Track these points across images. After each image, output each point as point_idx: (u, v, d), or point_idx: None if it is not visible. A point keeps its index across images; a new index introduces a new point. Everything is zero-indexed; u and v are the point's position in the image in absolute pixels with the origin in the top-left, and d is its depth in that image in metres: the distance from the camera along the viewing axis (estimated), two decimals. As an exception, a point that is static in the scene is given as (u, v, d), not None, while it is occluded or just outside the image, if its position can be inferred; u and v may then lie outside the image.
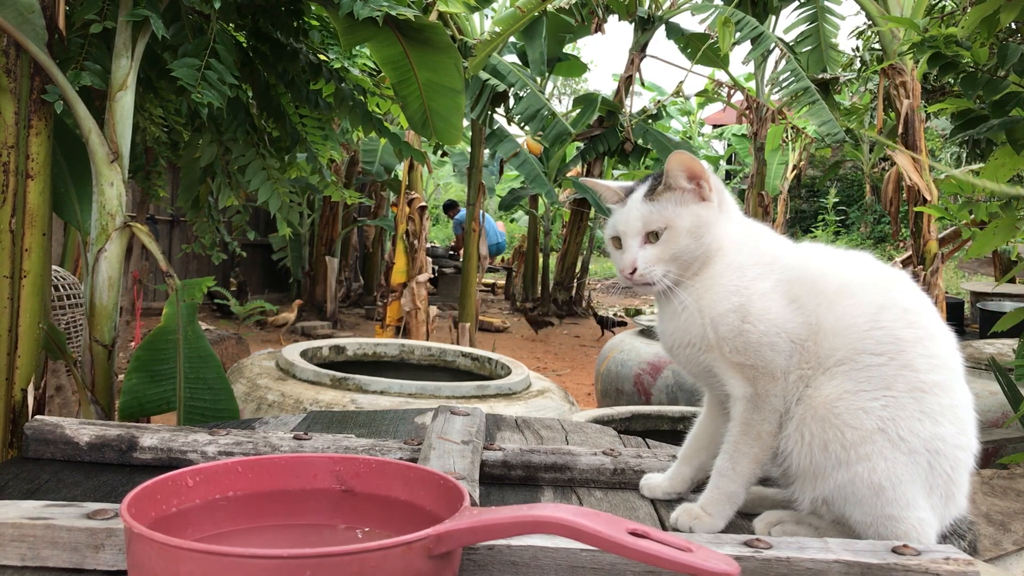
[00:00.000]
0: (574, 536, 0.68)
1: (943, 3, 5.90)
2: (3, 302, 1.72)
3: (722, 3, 6.95)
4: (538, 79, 8.39)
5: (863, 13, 5.64)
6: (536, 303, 10.28)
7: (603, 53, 40.46)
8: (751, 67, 8.38)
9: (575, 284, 10.47)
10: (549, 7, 6.42)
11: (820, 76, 6.78)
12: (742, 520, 1.03)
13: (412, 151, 2.92)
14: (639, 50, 8.84)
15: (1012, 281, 8.17)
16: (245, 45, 2.44)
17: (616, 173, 10.10)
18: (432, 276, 6.40)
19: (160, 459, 1.14)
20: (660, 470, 1.15)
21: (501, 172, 10.24)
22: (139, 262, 5.03)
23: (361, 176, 8.80)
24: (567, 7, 7.02)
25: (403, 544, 0.66)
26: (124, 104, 1.89)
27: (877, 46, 6.37)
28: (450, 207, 11.69)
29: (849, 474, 0.92)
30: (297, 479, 0.87)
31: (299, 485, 0.86)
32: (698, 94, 9.16)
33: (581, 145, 9.10)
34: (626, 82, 8.90)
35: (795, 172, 10.78)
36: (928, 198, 5.08)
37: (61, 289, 3.06)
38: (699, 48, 7.60)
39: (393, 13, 2.00)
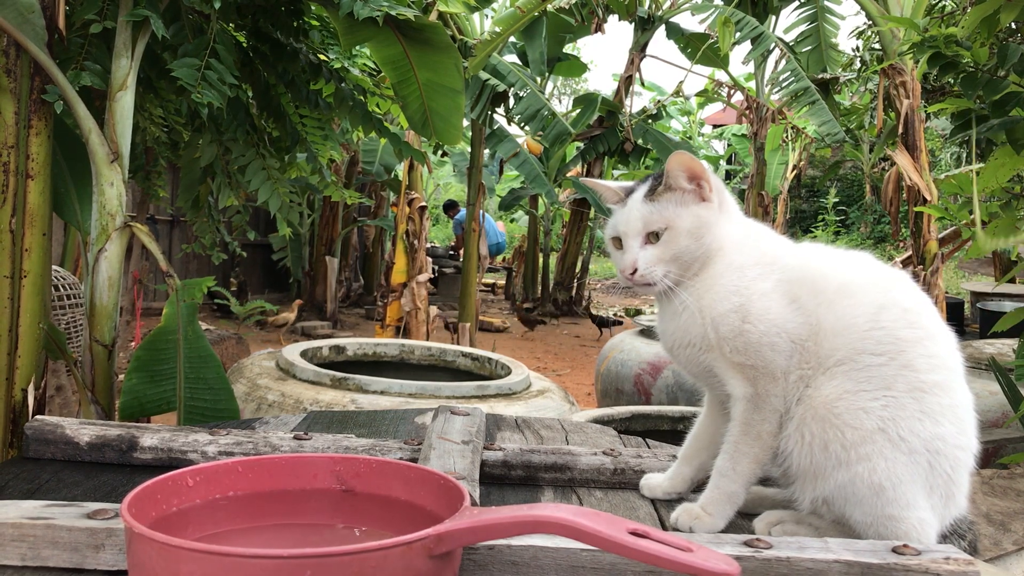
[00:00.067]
0: (574, 536, 0.68)
1: (943, 3, 5.90)
2: (3, 302, 1.72)
3: (722, 3, 6.95)
4: (538, 79, 8.39)
5: (863, 13, 5.64)
6: (536, 303, 10.29)
7: (603, 53, 40.50)
8: (751, 67, 8.38)
9: (575, 284, 10.47)
10: (549, 7, 6.42)
11: (820, 76, 6.79)
12: (742, 520, 1.03)
13: (412, 151, 2.92)
14: (639, 50, 8.84)
15: (1012, 281, 8.17)
16: (245, 45, 2.44)
17: (616, 173, 10.10)
18: (432, 276, 6.40)
19: (160, 459, 1.14)
20: (660, 470, 1.15)
21: (501, 172, 10.25)
22: (139, 262, 5.03)
23: (361, 176, 8.80)
24: (567, 7, 7.02)
25: (403, 544, 0.66)
26: (124, 104, 1.89)
27: (877, 46, 6.37)
28: (450, 207, 11.69)
29: (849, 474, 0.92)
30: (297, 479, 0.87)
31: (299, 485, 0.86)
32: (698, 94, 9.17)
33: (581, 145, 9.11)
34: (626, 82, 8.90)
35: (795, 172, 10.78)
36: (928, 198, 5.08)
37: (61, 289, 3.06)
38: (699, 48, 7.60)
39: (393, 13, 2.00)
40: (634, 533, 0.67)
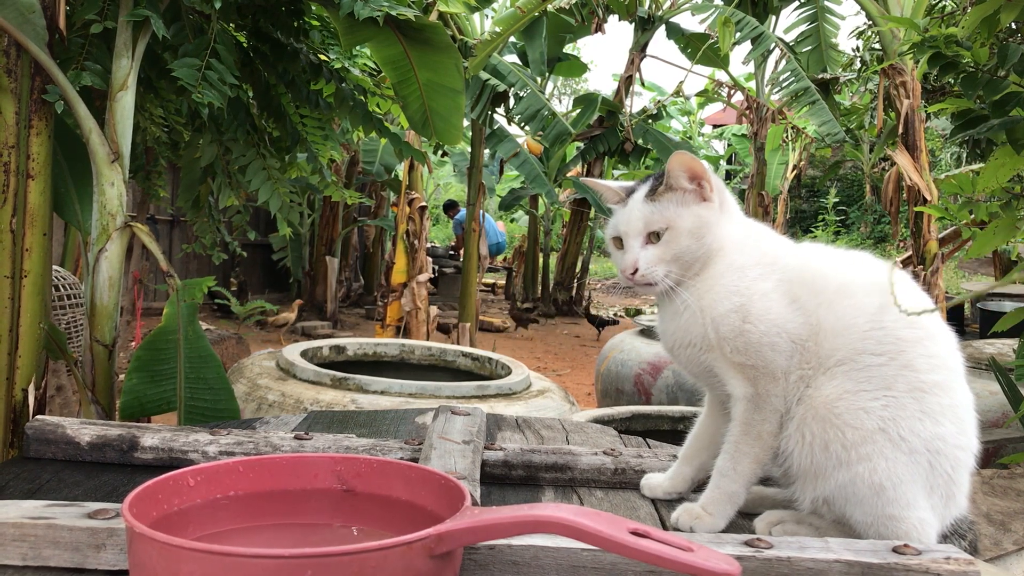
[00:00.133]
0: (575, 536, 0.68)
1: (943, 3, 5.90)
2: (4, 302, 1.72)
3: (722, 3, 6.95)
4: (538, 79, 8.39)
5: (863, 13, 5.63)
6: (536, 303, 10.29)
7: (603, 53, 40.49)
8: (751, 67, 8.38)
9: (575, 284, 10.47)
10: (549, 7, 6.42)
11: (820, 76, 6.78)
12: (743, 520, 1.03)
13: (412, 151, 2.92)
14: (639, 50, 8.84)
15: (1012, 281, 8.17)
16: (245, 45, 2.44)
17: (616, 173, 10.10)
18: (432, 276, 6.41)
19: (161, 459, 1.14)
20: (661, 470, 1.15)
21: (501, 172, 10.25)
22: (139, 262, 5.03)
23: (361, 176, 8.80)
24: (567, 7, 7.02)
25: (404, 544, 0.66)
26: (124, 104, 1.89)
27: (877, 46, 6.36)
28: (450, 207, 11.69)
29: (850, 474, 0.92)
30: (298, 479, 0.87)
31: (300, 485, 0.87)
32: (698, 94, 9.16)
33: (581, 145, 9.11)
34: (626, 82, 8.90)
35: (795, 172, 10.78)
36: (928, 198, 5.08)
37: (62, 289, 3.06)
38: (699, 48, 7.60)
39: (393, 13, 2.00)
40: (635, 533, 0.67)
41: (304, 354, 2.80)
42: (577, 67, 10.04)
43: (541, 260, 10.95)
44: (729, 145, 15.40)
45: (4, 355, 1.73)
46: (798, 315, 0.97)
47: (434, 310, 5.68)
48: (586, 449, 1.19)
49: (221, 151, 2.46)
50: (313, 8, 2.58)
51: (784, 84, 6.38)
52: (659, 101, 9.26)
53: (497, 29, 5.50)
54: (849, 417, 0.93)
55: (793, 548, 0.83)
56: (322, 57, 2.62)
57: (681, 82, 8.07)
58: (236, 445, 1.14)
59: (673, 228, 1.00)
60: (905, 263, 5.42)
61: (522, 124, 7.30)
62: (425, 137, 2.69)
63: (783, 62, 6.52)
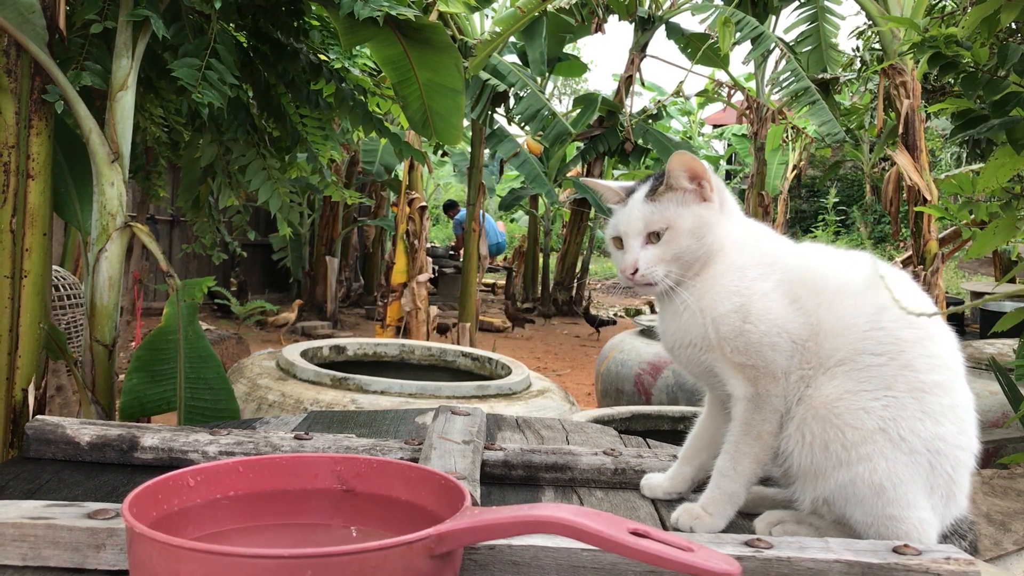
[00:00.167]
0: (575, 536, 0.68)
1: (943, 3, 5.90)
2: (4, 302, 1.72)
3: (722, 3, 6.95)
4: (538, 79, 8.39)
5: (863, 13, 5.64)
6: (536, 303, 10.28)
7: (603, 53, 40.45)
8: (751, 67, 8.38)
9: (575, 284, 10.47)
10: (549, 7, 6.42)
11: (820, 76, 6.78)
12: (743, 520, 1.03)
13: (412, 151, 2.92)
14: (639, 50, 8.84)
15: (1012, 281, 8.17)
16: (245, 45, 2.44)
17: (616, 173, 10.10)
18: (432, 276, 6.41)
19: (161, 459, 1.14)
20: (661, 470, 1.15)
21: (501, 172, 10.25)
22: (139, 262, 5.03)
23: (361, 176, 8.80)
24: (567, 7, 7.02)
25: (404, 544, 0.66)
26: (124, 104, 1.89)
27: (877, 46, 6.37)
28: (450, 207, 11.69)
29: (850, 474, 0.92)
30: (298, 479, 0.87)
31: (300, 485, 0.87)
32: (698, 94, 9.17)
33: (581, 145, 9.11)
34: (626, 82, 8.90)
35: (795, 172, 10.78)
36: (928, 198, 5.08)
37: (61, 289, 3.06)
38: (699, 48, 7.60)
39: (393, 13, 2.00)
40: (635, 533, 0.67)
41: (304, 354, 2.80)
42: (577, 67, 10.04)
43: (541, 260, 10.95)
44: (729, 145, 15.39)
45: (4, 355, 1.73)
46: (798, 315, 0.97)
47: (434, 310, 5.68)
48: (586, 449, 1.19)
49: (221, 151, 2.46)
50: (313, 8, 2.58)
51: (784, 84, 6.39)
52: (659, 101, 9.26)
53: (497, 29, 5.50)
54: (849, 417, 0.93)
55: (793, 548, 0.83)
56: (322, 57, 2.62)
57: (681, 82, 8.08)
58: (236, 445, 1.14)
59: (673, 228, 1.00)
60: (905, 263, 5.42)
61: (522, 124, 7.30)
62: (425, 137, 2.69)
63: (783, 62, 6.53)
